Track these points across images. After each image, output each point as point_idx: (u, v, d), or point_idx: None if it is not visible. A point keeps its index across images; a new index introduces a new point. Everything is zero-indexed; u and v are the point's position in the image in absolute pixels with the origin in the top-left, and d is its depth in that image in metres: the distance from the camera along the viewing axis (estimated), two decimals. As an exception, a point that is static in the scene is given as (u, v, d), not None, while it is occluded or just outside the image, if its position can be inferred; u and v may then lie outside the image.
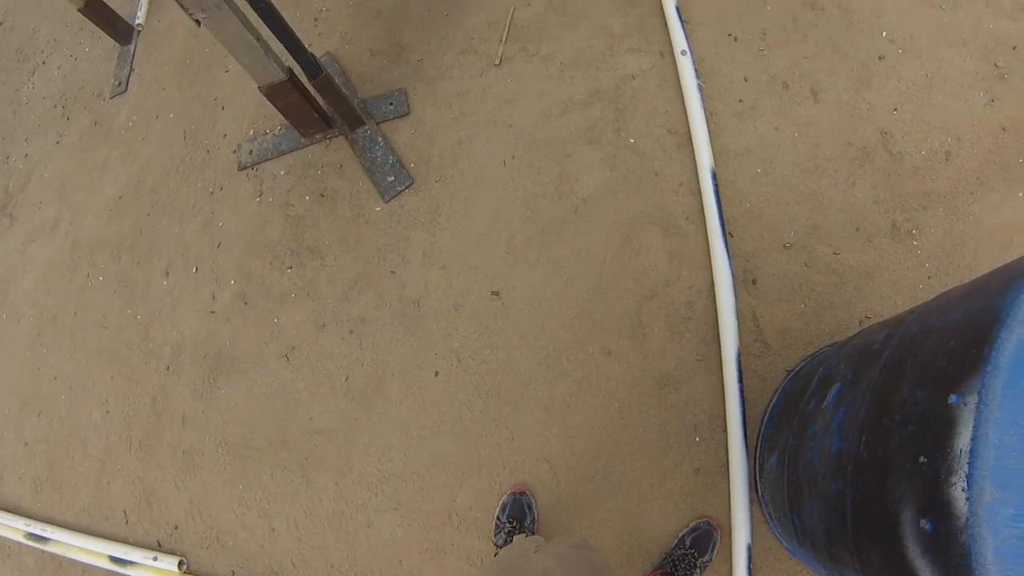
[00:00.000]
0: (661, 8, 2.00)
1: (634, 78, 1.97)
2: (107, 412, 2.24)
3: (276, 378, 2.01)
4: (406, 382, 1.86)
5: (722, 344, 1.62)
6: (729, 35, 1.95)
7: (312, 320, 2.03)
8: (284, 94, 1.92)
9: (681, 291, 1.72)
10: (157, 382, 2.19)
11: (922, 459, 0.69)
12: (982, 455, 0.62)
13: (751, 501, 1.48)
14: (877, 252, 1.64)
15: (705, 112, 1.84)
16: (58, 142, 2.88)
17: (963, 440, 0.64)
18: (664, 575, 1.44)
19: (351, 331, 1.97)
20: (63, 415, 2.32)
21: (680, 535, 1.50)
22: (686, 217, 1.78)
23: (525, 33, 2.15)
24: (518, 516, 1.58)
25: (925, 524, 0.67)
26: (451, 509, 1.72)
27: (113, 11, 2.75)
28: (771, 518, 1.38)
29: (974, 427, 0.63)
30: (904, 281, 1.61)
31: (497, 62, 2.13)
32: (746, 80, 1.88)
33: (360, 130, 2.16)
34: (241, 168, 2.33)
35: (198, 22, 1.58)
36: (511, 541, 1.51)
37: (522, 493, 1.63)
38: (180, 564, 1.92)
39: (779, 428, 1.34)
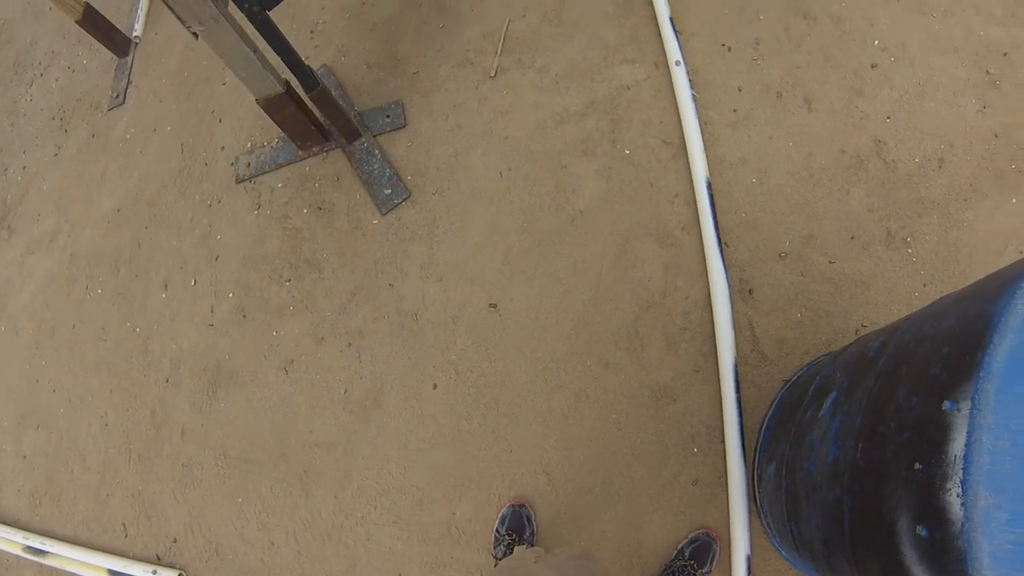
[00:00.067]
0: (655, 19, 2.02)
1: (629, 89, 1.98)
2: (106, 425, 2.24)
3: (275, 391, 2.02)
4: (405, 395, 1.87)
5: (719, 355, 1.63)
6: (723, 45, 1.96)
7: (311, 333, 2.04)
8: (281, 107, 1.93)
9: (677, 302, 1.72)
10: (156, 395, 2.19)
11: (917, 466, 0.69)
12: (976, 461, 0.63)
13: (750, 511, 1.48)
14: (872, 260, 1.65)
15: (700, 122, 1.85)
16: (56, 154, 2.89)
17: (957, 446, 0.64)
18: (663, 587, 1.44)
19: (349, 344, 1.98)
20: (62, 428, 2.32)
21: (679, 546, 1.50)
22: (682, 228, 1.79)
23: (520, 45, 2.16)
24: (517, 528, 1.58)
25: (921, 530, 0.68)
26: (450, 522, 1.72)
27: (111, 23, 2.76)
28: (770, 528, 1.38)
29: (968, 433, 0.64)
30: (900, 289, 1.62)
31: (493, 74, 2.14)
32: (740, 90, 1.90)
33: (357, 143, 2.17)
34: (239, 181, 2.34)
35: (196, 35, 1.59)
36: (511, 553, 1.51)
37: (521, 505, 1.63)
38: (179, 578, 1.92)
39: (776, 438, 1.34)
